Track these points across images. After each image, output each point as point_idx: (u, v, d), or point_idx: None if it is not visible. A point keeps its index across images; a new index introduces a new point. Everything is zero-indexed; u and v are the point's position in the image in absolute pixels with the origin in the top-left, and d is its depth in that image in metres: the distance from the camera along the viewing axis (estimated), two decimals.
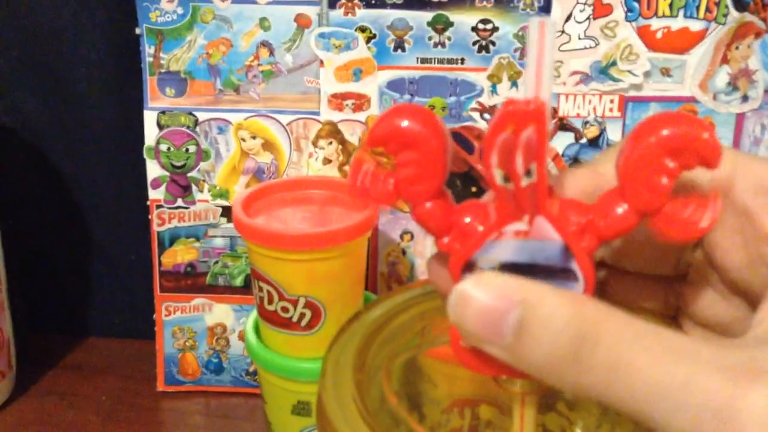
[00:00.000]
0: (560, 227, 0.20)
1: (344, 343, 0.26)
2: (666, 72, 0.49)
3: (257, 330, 0.46)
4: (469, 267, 0.21)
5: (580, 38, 0.48)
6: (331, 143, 0.51)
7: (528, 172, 0.19)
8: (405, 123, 0.20)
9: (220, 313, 0.54)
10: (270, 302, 0.43)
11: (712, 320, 0.24)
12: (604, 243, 0.21)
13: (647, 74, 0.49)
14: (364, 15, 0.49)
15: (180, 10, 0.49)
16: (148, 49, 0.50)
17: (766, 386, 0.16)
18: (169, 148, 0.51)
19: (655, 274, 0.25)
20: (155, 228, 0.53)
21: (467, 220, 0.21)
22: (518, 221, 0.21)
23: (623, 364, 0.17)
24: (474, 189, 0.51)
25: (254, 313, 0.46)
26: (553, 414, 0.30)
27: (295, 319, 0.42)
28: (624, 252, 0.25)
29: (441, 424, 0.31)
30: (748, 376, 0.17)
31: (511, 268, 0.21)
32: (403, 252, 0.53)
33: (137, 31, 0.50)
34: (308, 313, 0.42)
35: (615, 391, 0.18)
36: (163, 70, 0.50)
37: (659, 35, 0.48)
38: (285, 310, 0.42)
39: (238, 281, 0.53)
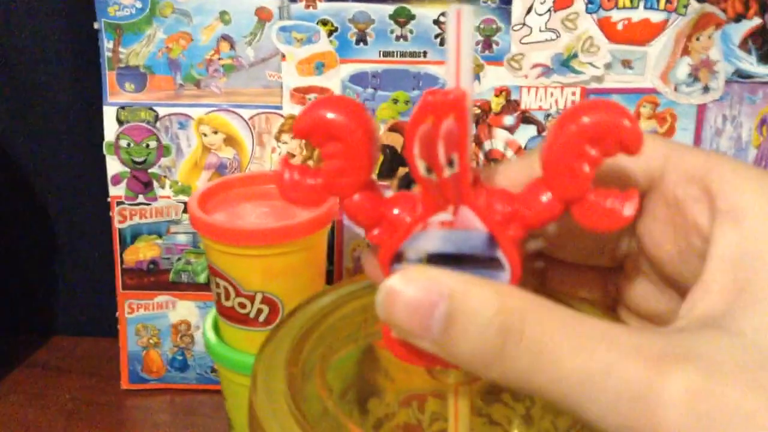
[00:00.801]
0: (484, 217, 0.20)
1: (277, 343, 0.26)
2: (627, 64, 0.49)
3: (216, 327, 0.45)
4: (398, 258, 0.21)
5: (541, 30, 0.48)
6: (293, 138, 0.51)
7: (450, 163, 0.19)
8: (329, 114, 0.20)
9: (183, 310, 0.53)
10: (227, 298, 0.42)
11: (648, 311, 0.24)
12: (531, 232, 0.21)
13: (608, 66, 0.48)
14: (325, 8, 0.49)
15: (138, 4, 0.49)
16: (106, 44, 0.49)
17: (684, 371, 0.16)
18: (129, 144, 0.51)
19: (592, 265, 0.25)
20: (116, 225, 0.52)
21: (396, 211, 0.21)
22: (443, 212, 0.20)
23: (547, 353, 0.18)
24: None
25: (213, 311, 0.46)
26: (499, 405, 0.30)
27: (252, 315, 0.42)
28: (560, 243, 0.25)
29: (388, 418, 0.31)
30: (667, 362, 0.17)
31: (439, 258, 0.21)
32: (368, 246, 0.53)
33: (95, 25, 0.49)
34: (266, 309, 0.42)
35: (539, 380, 0.18)
36: (122, 65, 0.50)
37: (620, 27, 0.48)
38: (242, 306, 0.42)
39: (202, 278, 0.53)
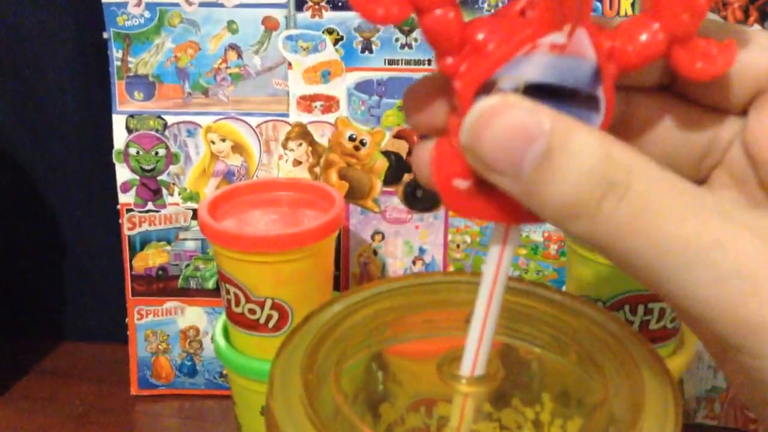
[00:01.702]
0: (598, 44, 0.18)
1: (293, 348, 0.26)
2: None
3: (226, 333, 0.46)
4: (486, 89, 0.18)
5: None
6: (300, 145, 0.52)
7: None
8: None
9: (192, 316, 0.54)
10: (237, 304, 0.43)
11: None
12: (625, 72, 0.18)
13: None
14: (331, 17, 0.49)
15: (147, 14, 0.49)
16: (115, 53, 0.50)
17: None
18: (138, 152, 0.52)
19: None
20: (126, 232, 0.53)
21: (481, 36, 0.18)
22: (557, 32, 0.18)
23: (652, 213, 0.16)
24: None
25: (223, 316, 0.46)
26: (509, 410, 0.30)
27: (262, 321, 0.43)
28: (648, 140, 0.22)
29: (398, 423, 0.31)
30: None
31: (536, 91, 0.18)
32: (375, 252, 0.53)
33: (104, 35, 0.50)
34: (275, 315, 0.42)
35: (634, 242, 0.16)
36: (131, 74, 0.50)
37: None
38: (252, 312, 0.42)
39: (210, 284, 0.53)
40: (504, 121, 0.17)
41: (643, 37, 0.18)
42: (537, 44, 0.18)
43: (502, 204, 0.18)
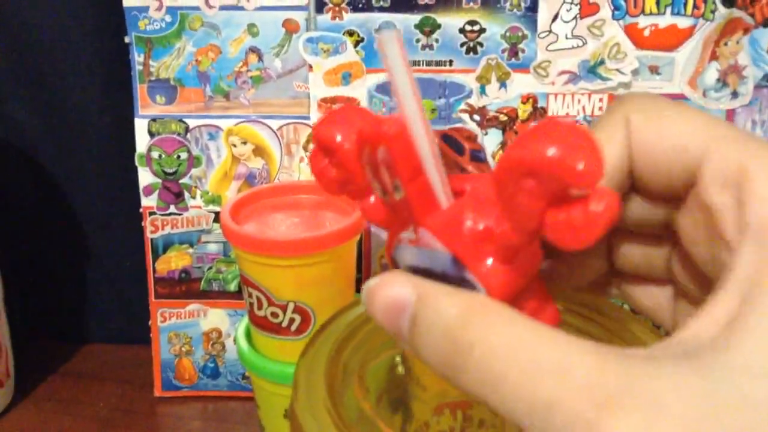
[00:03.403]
0: (447, 239, 0.19)
1: (317, 349, 0.26)
2: (655, 70, 0.49)
3: (249, 335, 0.46)
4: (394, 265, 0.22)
5: (567, 38, 0.48)
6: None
7: (395, 188, 0.19)
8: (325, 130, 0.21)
9: (214, 318, 0.54)
10: (260, 308, 0.43)
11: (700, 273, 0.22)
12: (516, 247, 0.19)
13: (636, 72, 0.48)
14: (351, 19, 0.49)
15: (168, 18, 0.50)
16: (137, 58, 0.50)
17: (629, 415, 0.15)
18: (160, 156, 0.52)
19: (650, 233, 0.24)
20: (149, 235, 0.53)
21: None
22: (407, 230, 0.21)
23: (494, 375, 0.17)
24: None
25: (245, 319, 0.46)
26: None
27: (284, 324, 0.43)
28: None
29: (430, 425, 0.31)
30: (614, 403, 0.16)
31: (415, 272, 0.21)
32: None
33: (126, 39, 0.50)
34: (298, 318, 0.42)
35: (491, 399, 0.17)
36: (152, 78, 0.51)
37: (647, 33, 0.48)
38: (275, 315, 0.42)
39: (232, 286, 0.54)
40: (382, 295, 0.20)
41: (522, 210, 0.18)
42: (400, 238, 0.21)
43: None
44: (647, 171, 0.22)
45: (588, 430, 0.16)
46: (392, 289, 0.19)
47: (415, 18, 0.49)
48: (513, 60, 0.49)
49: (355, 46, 0.49)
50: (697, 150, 0.20)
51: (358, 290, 0.48)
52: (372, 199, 0.21)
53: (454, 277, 0.20)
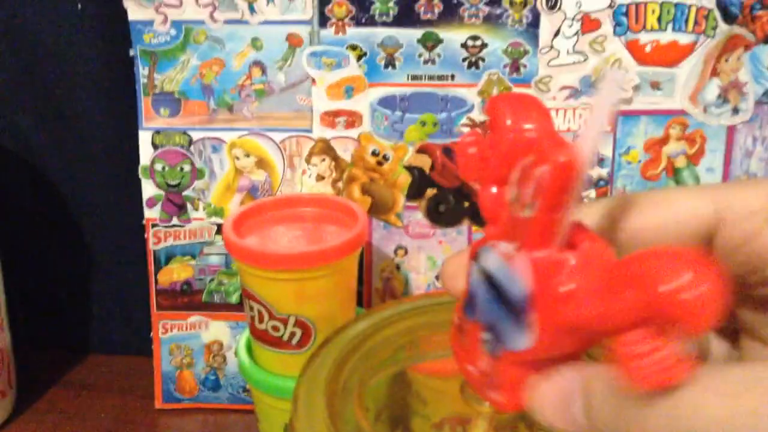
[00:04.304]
0: (539, 275, 0.19)
1: (317, 366, 0.26)
2: (656, 86, 0.49)
3: (250, 349, 0.46)
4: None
5: (568, 53, 0.48)
6: (324, 160, 0.52)
7: (530, 206, 0.19)
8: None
9: (216, 330, 0.54)
10: (260, 321, 0.43)
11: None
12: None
13: (637, 88, 0.49)
14: (354, 33, 0.49)
15: (173, 32, 0.50)
16: (142, 70, 0.51)
17: None
18: (164, 168, 0.52)
19: None
20: (151, 246, 0.53)
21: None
22: (509, 243, 0.20)
23: (686, 402, 0.17)
24: (467, 204, 0.51)
25: (246, 332, 0.46)
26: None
27: (285, 338, 0.43)
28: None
29: None
30: None
31: (484, 283, 0.20)
32: (398, 267, 0.53)
33: (131, 52, 0.50)
34: (298, 332, 0.42)
35: (685, 427, 0.17)
36: (157, 91, 0.51)
37: (648, 49, 0.48)
38: (275, 329, 0.43)
39: (234, 298, 0.54)
40: (548, 392, 0.20)
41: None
42: (496, 244, 0.20)
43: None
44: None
45: None
46: (555, 386, 0.20)
47: (418, 33, 0.49)
48: (514, 75, 0.49)
49: (358, 60, 0.50)
50: (707, 207, 0.22)
51: (359, 304, 0.48)
52: (494, 190, 0.21)
53: (515, 309, 0.20)
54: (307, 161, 0.52)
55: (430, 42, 0.49)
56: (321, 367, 0.26)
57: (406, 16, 0.49)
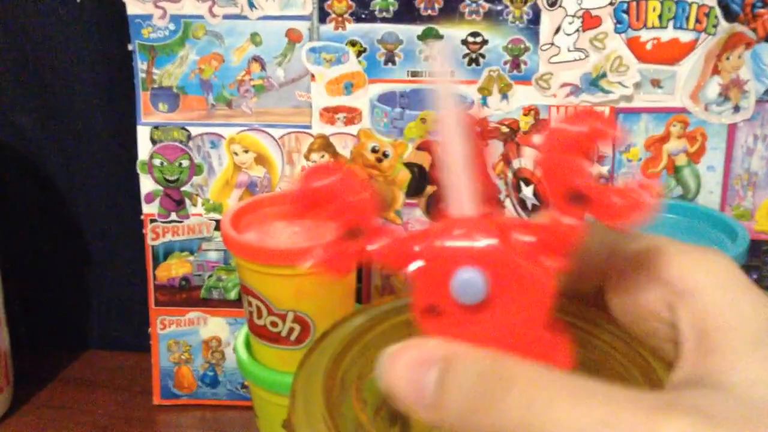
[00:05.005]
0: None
1: (314, 360, 0.26)
2: (656, 83, 0.49)
3: (248, 344, 0.46)
4: None
5: (569, 50, 0.48)
6: (323, 156, 0.52)
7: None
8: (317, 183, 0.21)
9: (214, 326, 0.54)
10: (259, 317, 0.43)
11: None
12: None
13: (637, 85, 0.49)
14: (354, 29, 0.49)
15: (172, 26, 0.50)
16: (140, 65, 0.51)
17: (686, 418, 0.16)
18: (162, 163, 0.52)
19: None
20: (149, 242, 0.53)
21: (416, 249, 0.22)
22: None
23: (538, 406, 0.17)
24: None
25: (245, 328, 0.46)
26: None
27: (284, 334, 0.43)
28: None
29: None
30: (667, 411, 0.17)
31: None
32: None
33: (129, 47, 0.50)
34: (297, 328, 0.42)
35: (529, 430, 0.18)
36: (155, 86, 0.51)
37: (649, 46, 0.48)
38: (274, 324, 0.42)
39: (233, 294, 0.54)
40: (404, 357, 0.20)
41: (564, 222, 0.20)
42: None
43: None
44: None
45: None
46: (413, 353, 0.19)
47: (418, 29, 0.49)
48: (515, 72, 0.49)
49: (358, 56, 0.50)
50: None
51: (357, 300, 0.48)
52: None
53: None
54: (306, 157, 0.52)
55: (430, 38, 0.49)
56: (318, 361, 0.26)
57: (406, 12, 0.48)
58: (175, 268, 0.53)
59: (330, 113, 0.51)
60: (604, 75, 0.48)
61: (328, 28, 0.49)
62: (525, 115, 0.50)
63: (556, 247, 0.20)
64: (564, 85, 0.49)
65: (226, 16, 0.49)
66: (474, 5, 0.48)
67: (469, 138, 0.20)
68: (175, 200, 0.53)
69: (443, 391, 0.19)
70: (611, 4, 0.47)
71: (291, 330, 0.42)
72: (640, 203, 0.19)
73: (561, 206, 0.20)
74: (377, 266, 0.23)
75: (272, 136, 0.51)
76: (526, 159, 0.50)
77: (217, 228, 0.52)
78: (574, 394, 0.17)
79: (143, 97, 0.51)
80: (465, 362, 0.19)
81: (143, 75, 0.51)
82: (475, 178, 0.20)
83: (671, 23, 0.48)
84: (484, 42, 0.49)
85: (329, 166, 0.21)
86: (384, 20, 0.49)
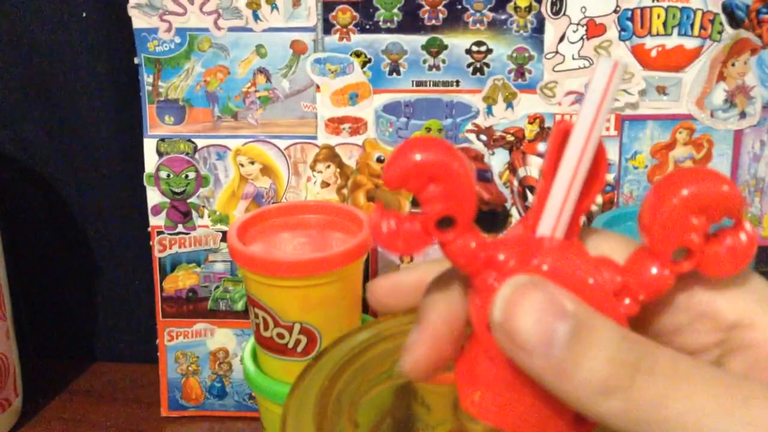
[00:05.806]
0: (603, 281, 0.19)
1: (309, 380, 0.26)
2: (662, 90, 0.49)
3: (255, 356, 0.46)
4: None
5: (574, 58, 0.48)
6: (329, 167, 0.52)
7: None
8: (426, 156, 0.18)
9: (221, 337, 0.54)
10: (266, 329, 0.43)
11: None
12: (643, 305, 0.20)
13: (643, 93, 0.48)
14: (358, 40, 0.49)
15: (177, 40, 0.50)
16: (146, 78, 0.51)
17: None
18: (168, 175, 0.52)
19: None
20: (156, 254, 0.53)
21: (501, 256, 0.19)
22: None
23: (682, 381, 0.17)
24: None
25: (252, 340, 0.46)
26: None
27: (290, 346, 0.43)
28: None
29: None
30: None
31: None
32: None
33: (136, 60, 0.50)
34: (304, 339, 0.42)
35: (670, 411, 0.16)
36: (161, 99, 0.51)
37: (654, 54, 0.48)
38: (281, 336, 0.42)
39: (239, 306, 0.54)
40: (537, 297, 0.17)
41: (649, 274, 0.19)
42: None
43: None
44: None
45: None
46: (545, 294, 0.17)
47: (422, 39, 0.49)
48: (519, 80, 0.49)
49: (363, 66, 0.50)
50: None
51: (364, 311, 0.48)
52: (459, 241, 0.20)
53: None
54: (312, 168, 0.52)
55: (434, 48, 0.49)
56: (312, 383, 0.25)
57: (410, 23, 0.49)
58: (182, 280, 0.53)
59: (335, 124, 0.51)
60: None
61: (332, 39, 0.49)
62: (530, 123, 0.50)
63: (636, 292, 0.19)
64: (569, 93, 0.49)
65: (231, 29, 0.50)
66: (478, 14, 0.48)
67: (588, 162, 0.18)
68: (182, 212, 0.53)
69: (576, 351, 0.17)
70: (615, 11, 0.47)
71: (297, 341, 0.42)
72: (744, 255, 0.19)
73: (664, 259, 0.19)
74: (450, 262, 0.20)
75: (278, 147, 0.51)
76: (532, 167, 0.50)
77: (224, 239, 0.53)
78: (724, 385, 0.17)
79: (149, 110, 0.51)
80: (600, 331, 0.17)
81: (149, 88, 0.51)
82: (577, 201, 0.19)
83: (676, 30, 0.48)
84: (489, 51, 0.49)
85: (433, 140, 0.19)
86: (388, 31, 0.49)
